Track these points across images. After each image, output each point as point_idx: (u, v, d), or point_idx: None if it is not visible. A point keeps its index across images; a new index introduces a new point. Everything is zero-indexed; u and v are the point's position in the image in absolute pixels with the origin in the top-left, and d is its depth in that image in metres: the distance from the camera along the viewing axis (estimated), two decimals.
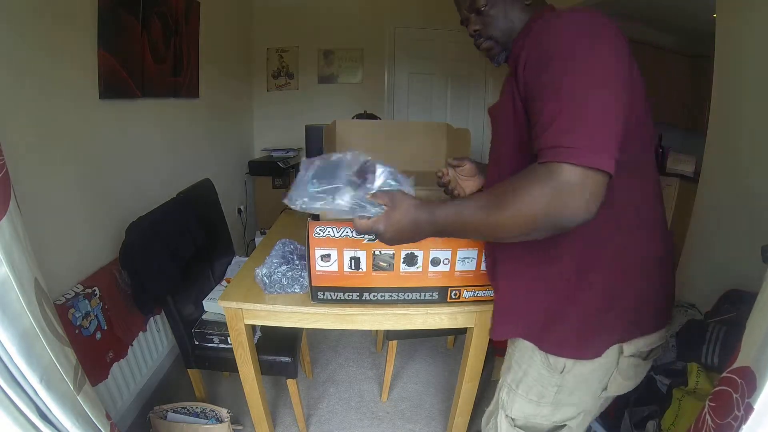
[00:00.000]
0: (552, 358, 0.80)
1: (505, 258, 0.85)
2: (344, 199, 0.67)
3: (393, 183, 0.70)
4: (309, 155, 1.92)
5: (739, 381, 0.55)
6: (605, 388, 0.82)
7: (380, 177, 0.70)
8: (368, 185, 0.69)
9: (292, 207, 0.70)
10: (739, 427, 0.52)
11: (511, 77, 0.73)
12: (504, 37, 0.81)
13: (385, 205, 0.69)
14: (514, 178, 0.61)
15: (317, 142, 1.63)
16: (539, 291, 0.79)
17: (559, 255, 0.74)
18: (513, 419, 0.90)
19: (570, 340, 0.78)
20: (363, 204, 0.68)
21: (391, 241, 0.71)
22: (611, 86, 0.59)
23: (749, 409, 0.51)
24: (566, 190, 0.56)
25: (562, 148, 0.56)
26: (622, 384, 0.82)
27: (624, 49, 0.63)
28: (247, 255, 1.77)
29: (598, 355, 0.77)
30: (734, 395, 0.55)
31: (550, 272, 0.77)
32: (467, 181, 1.06)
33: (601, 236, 0.71)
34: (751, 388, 0.52)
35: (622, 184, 0.63)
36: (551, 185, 0.57)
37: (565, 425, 0.87)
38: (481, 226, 0.64)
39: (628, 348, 0.79)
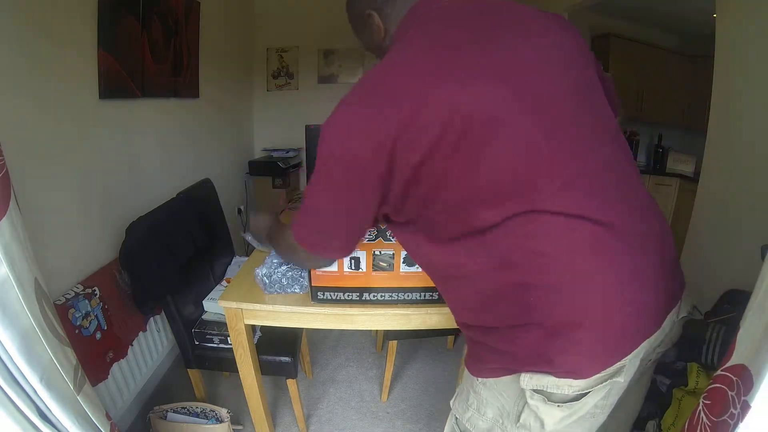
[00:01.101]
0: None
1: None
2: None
3: None
4: (309, 155, 1.92)
5: (734, 378, 0.55)
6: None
7: None
8: None
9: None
10: (736, 424, 0.52)
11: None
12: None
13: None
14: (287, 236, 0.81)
15: (317, 142, 1.63)
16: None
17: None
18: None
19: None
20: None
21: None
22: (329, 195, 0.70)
23: (746, 407, 0.51)
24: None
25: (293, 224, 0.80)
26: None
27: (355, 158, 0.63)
28: (247, 255, 1.77)
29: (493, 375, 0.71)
30: (729, 393, 0.55)
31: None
32: None
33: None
34: (747, 386, 0.52)
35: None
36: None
37: None
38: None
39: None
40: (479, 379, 0.74)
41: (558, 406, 0.64)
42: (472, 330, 0.74)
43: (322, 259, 0.84)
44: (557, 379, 0.63)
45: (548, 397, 0.65)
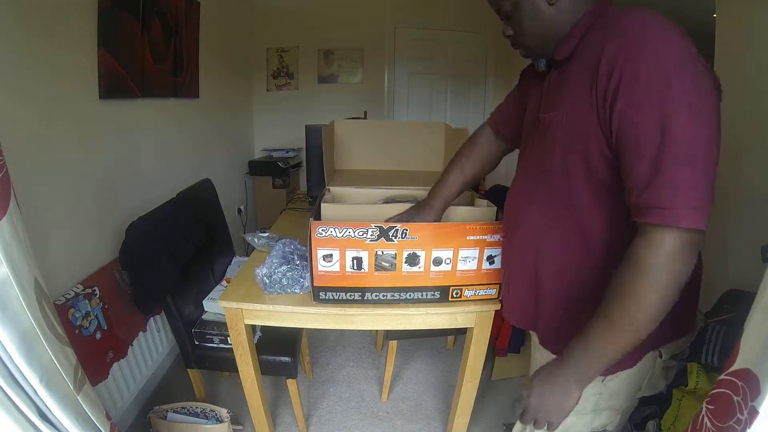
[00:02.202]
0: None
1: (550, 279, 0.81)
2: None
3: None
4: (309, 155, 1.92)
5: (739, 384, 0.54)
6: (640, 389, 0.82)
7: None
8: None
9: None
10: (744, 430, 0.51)
11: (582, 86, 0.67)
12: (536, 45, 0.76)
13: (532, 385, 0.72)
14: (622, 270, 0.61)
15: (317, 142, 1.62)
16: (586, 309, 0.72)
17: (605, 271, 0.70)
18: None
19: None
20: None
21: (543, 413, 0.71)
22: (715, 134, 0.58)
23: (754, 412, 0.50)
24: (686, 252, 0.58)
25: (676, 210, 0.56)
26: (655, 385, 0.83)
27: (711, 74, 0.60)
28: (247, 255, 1.77)
29: (636, 362, 0.77)
30: (735, 398, 0.54)
31: (596, 288, 0.70)
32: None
33: None
34: (754, 391, 0.51)
35: None
36: (664, 254, 0.58)
37: (603, 430, 0.86)
38: (618, 335, 0.63)
39: (666, 352, 0.79)
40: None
41: None
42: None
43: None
44: None
45: None
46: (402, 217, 1.12)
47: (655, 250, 0.58)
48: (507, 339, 1.80)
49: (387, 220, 1.10)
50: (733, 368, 0.57)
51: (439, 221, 1.11)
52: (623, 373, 0.78)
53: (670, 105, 0.56)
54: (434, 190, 1.12)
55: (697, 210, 0.56)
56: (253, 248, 1.48)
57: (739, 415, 0.52)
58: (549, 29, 0.73)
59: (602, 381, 0.79)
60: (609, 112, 0.62)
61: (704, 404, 0.61)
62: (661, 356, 0.79)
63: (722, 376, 0.59)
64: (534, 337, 0.94)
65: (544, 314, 0.85)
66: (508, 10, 0.75)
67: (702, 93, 0.57)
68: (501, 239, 1.07)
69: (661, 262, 0.58)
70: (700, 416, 0.61)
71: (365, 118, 2.34)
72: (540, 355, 0.89)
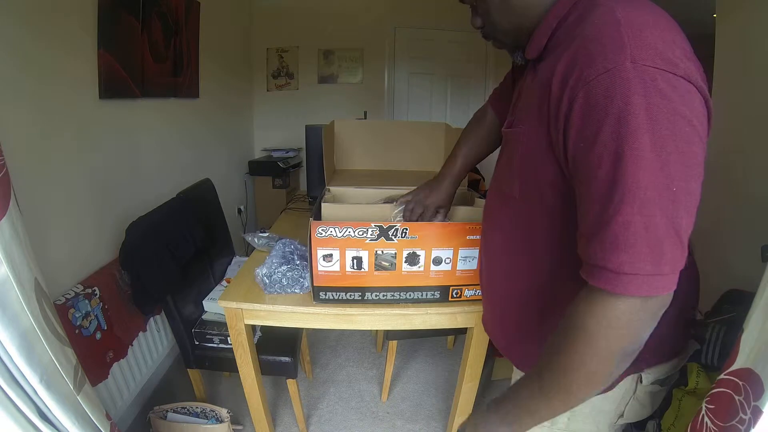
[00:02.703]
0: None
1: (508, 297, 0.77)
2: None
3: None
4: (309, 155, 1.92)
5: (740, 383, 0.54)
6: (621, 415, 0.75)
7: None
8: None
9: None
10: (747, 430, 0.51)
11: (542, 95, 0.56)
12: (507, 37, 0.66)
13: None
14: (563, 329, 0.53)
15: (317, 142, 1.62)
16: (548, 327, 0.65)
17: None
18: None
19: None
20: None
21: None
22: (693, 173, 0.47)
23: (757, 412, 0.50)
24: (635, 321, 0.48)
25: (623, 275, 0.46)
26: (639, 411, 0.76)
27: (701, 95, 0.49)
28: (247, 255, 1.77)
29: (614, 387, 0.69)
30: (736, 397, 0.54)
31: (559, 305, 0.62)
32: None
33: None
34: (757, 390, 0.51)
35: None
36: (619, 323, 0.48)
37: None
38: (553, 400, 0.55)
39: (647, 377, 0.71)
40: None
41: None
42: None
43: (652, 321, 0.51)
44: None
45: None
46: (414, 194, 1.11)
47: (596, 315, 0.49)
48: None
49: (399, 198, 1.11)
50: (733, 367, 0.57)
51: (452, 199, 1.11)
52: (597, 398, 0.69)
53: (629, 141, 0.44)
54: (445, 168, 1.10)
55: (651, 277, 0.46)
56: (253, 248, 1.48)
57: (741, 414, 0.52)
58: (521, 18, 0.61)
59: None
60: (563, 140, 0.52)
61: (704, 404, 0.61)
62: (641, 381, 0.71)
63: (722, 376, 0.59)
64: None
65: (505, 332, 0.82)
66: None
67: (678, 121, 0.45)
68: None
69: (602, 330, 0.49)
70: (700, 416, 0.61)
71: (365, 118, 2.34)
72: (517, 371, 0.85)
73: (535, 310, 0.71)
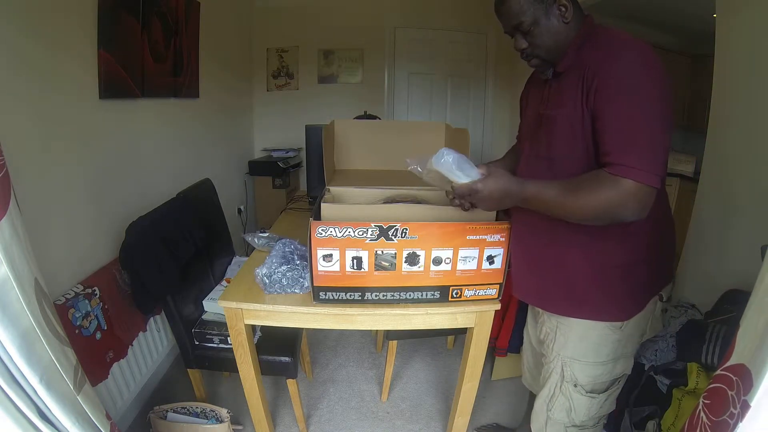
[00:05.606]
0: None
1: (565, 242, 0.94)
2: (451, 156, 0.86)
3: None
4: (309, 155, 1.92)
5: (734, 378, 0.55)
6: (644, 332, 1.02)
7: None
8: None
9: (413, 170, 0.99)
10: (736, 424, 0.51)
11: (575, 89, 0.85)
12: (549, 56, 0.90)
13: (483, 173, 0.87)
14: (588, 178, 0.81)
15: (317, 142, 1.62)
16: (604, 271, 0.93)
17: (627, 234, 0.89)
18: (583, 387, 1.00)
19: (627, 304, 0.94)
20: (465, 164, 0.87)
21: (483, 202, 0.89)
22: (665, 121, 0.78)
23: (746, 406, 0.51)
24: (626, 197, 0.77)
25: (626, 167, 0.76)
26: (655, 326, 1.04)
27: (669, 83, 0.81)
28: (247, 255, 1.77)
29: (643, 308, 0.96)
30: (729, 392, 0.55)
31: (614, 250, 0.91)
32: None
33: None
34: (747, 385, 0.51)
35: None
36: (615, 192, 0.77)
37: (623, 375, 1.02)
38: (556, 206, 0.84)
39: (665, 294, 1.02)
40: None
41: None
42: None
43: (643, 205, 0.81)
44: None
45: None
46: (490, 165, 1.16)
47: (607, 184, 0.78)
48: (507, 339, 1.80)
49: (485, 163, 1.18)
50: (728, 363, 0.58)
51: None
52: (633, 319, 0.95)
53: (634, 100, 0.77)
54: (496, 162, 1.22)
55: (645, 172, 0.76)
56: (253, 248, 1.48)
57: (732, 409, 0.53)
58: (561, 43, 0.88)
59: (620, 327, 0.95)
60: (593, 102, 0.82)
61: (701, 399, 0.62)
62: (662, 299, 1.02)
63: (718, 372, 0.59)
64: (529, 318, 1.21)
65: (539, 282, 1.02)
66: (528, 25, 0.86)
67: (659, 94, 0.78)
68: (501, 239, 1.08)
69: (605, 192, 0.78)
70: (697, 411, 0.62)
71: (375, 117, 2.34)
72: (532, 331, 1.18)
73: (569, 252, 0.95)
